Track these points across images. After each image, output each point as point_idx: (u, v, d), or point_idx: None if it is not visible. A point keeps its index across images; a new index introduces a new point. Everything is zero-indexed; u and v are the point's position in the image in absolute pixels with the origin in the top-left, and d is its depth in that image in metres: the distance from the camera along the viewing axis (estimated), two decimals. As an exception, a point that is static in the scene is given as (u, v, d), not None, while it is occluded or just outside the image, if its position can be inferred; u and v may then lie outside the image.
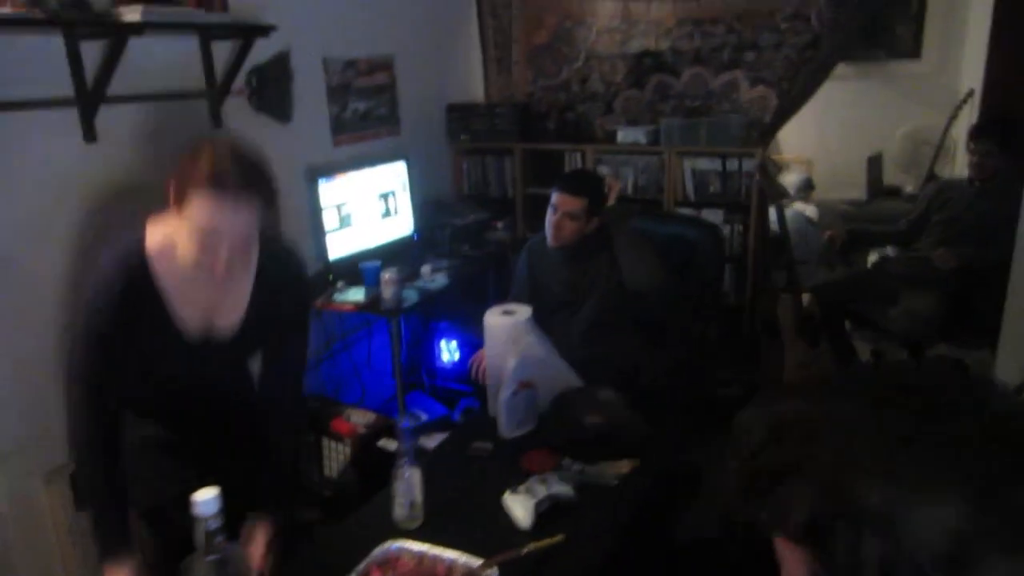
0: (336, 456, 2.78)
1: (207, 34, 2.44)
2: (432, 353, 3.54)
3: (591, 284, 2.49)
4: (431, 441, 2.45)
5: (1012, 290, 2.52)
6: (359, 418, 2.82)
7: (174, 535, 1.33)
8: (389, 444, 2.70)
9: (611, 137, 3.78)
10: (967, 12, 4.62)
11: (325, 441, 2.80)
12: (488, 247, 3.56)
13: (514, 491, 1.63)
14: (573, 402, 1.92)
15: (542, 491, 1.62)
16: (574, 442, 1.80)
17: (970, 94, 4.22)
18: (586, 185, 2.51)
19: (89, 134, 2.12)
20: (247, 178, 1.36)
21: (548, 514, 1.58)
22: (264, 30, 2.53)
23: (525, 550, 1.46)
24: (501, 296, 2.67)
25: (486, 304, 2.11)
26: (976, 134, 3.22)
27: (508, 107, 3.91)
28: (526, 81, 4.11)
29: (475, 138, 3.94)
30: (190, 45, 2.45)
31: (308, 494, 2.73)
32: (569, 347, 2.20)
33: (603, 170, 3.72)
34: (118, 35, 2.04)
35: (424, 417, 3.14)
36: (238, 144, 1.42)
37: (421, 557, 1.43)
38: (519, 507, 1.58)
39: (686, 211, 3.56)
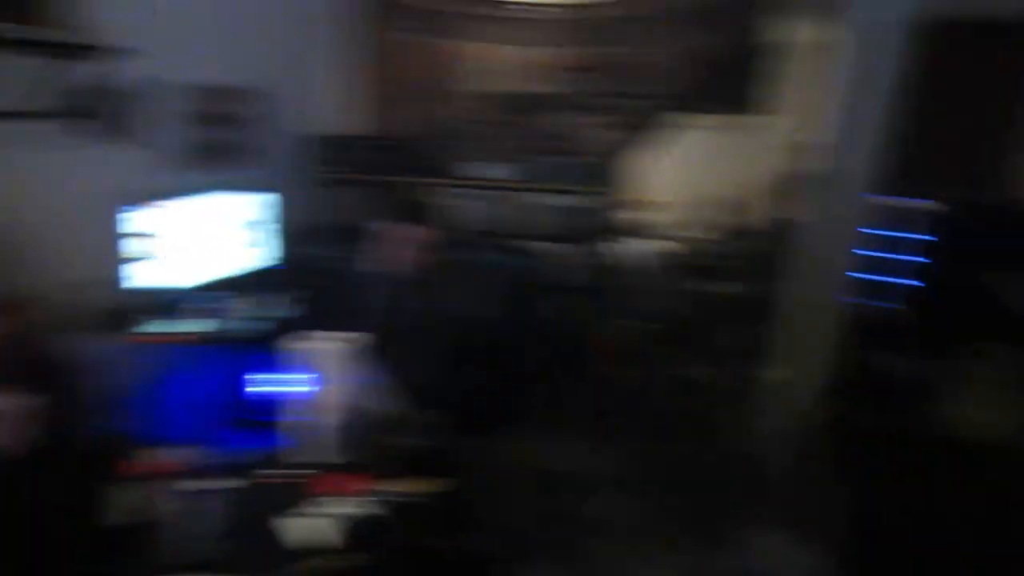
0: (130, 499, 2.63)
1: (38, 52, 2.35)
2: (242, 388, 3.43)
3: (428, 312, 2.53)
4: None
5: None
6: (163, 456, 2.65)
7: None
8: (199, 483, 2.56)
9: (472, 172, 3.93)
10: (817, 74, 5.04)
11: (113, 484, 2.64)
12: (336, 278, 3.52)
13: (304, 513, 1.63)
14: (378, 425, 1.95)
15: (336, 512, 1.64)
16: (375, 465, 1.82)
17: (807, 147, 4.57)
18: (423, 216, 2.58)
19: None
20: None
21: (350, 535, 1.60)
22: (89, 49, 2.45)
23: (301, 569, 1.47)
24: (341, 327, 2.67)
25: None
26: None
27: (377, 140, 4.00)
28: (395, 115, 4.22)
29: (340, 170, 3.98)
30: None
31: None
32: (406, 374, 2.23)
33: (459, 203, 3.81)
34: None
35: (250, 452, 3.07)
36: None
37: None
38: (306, 529, 1.60)
39: (536, 244, 3.73)
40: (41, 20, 2.20)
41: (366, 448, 1.93)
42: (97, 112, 2.70)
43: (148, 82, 2.87)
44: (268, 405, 3.31)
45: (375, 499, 1.73)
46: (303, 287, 3.29)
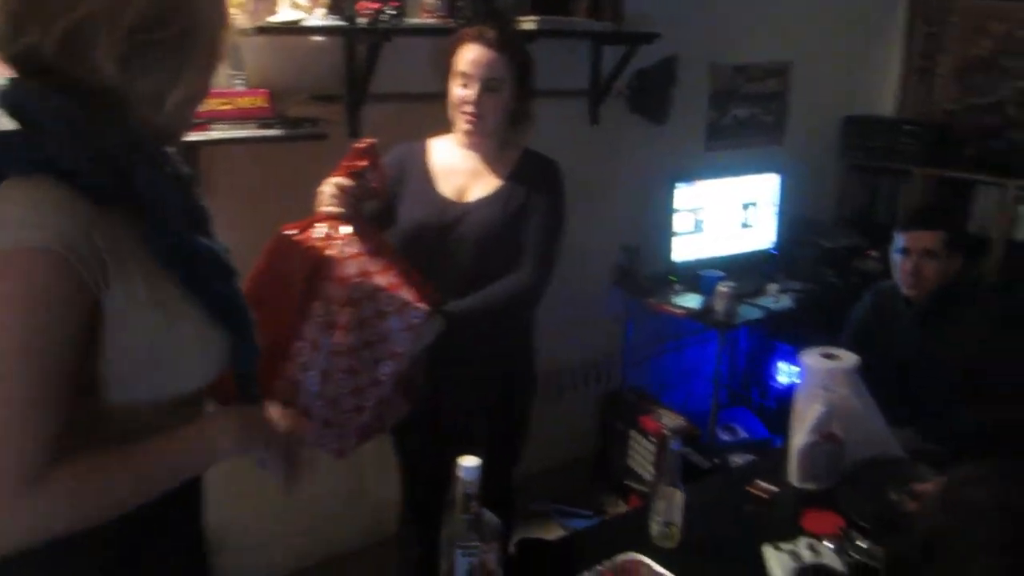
0: (640, 450, 2.96)
1: (598, 40, 2.75)
2: (767, 372, 3.49)
3: (946, 355, 2.22)
4: (740, 459, 2.53)
5: None
6: (668, 420, 2.93)
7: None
8: (690, 454, 2.81)
9: None
10: None
11: (633, 433, 3.00)
12: (854, 277, 3.32)
13: (778, 547, 1.50)
14: (881, 475, 1.73)
15: (808, 557, 1.48)
16: (873, 520, 1.61)
17: None
18: (941, 216, 2.33)
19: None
20: None
21: None
22: (649, 37, 2.72)
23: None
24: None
25: (836, 337, 2.07)
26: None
27: (920, 125, 3.62)
28: (949, 98, 3.74)
29: (870, 156, 3.70)
30: (581, 48, 2.77)
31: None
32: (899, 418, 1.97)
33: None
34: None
35: (742, 435, 3.16)
36: None
37: None
38: (777, 565, 1.47)
39: None
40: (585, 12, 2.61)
41: (849, 491, 1.70)
42: (638, 93, 2.96)
43: (675, 62, 3.01)
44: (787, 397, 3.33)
45: (843, 550, 1.54)
46: (796, 279, 3.22)
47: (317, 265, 1.50)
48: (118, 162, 0.88)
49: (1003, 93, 3.59)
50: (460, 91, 1.81)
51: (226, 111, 1.99)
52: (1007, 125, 3.58)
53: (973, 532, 0.70)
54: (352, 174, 1.61)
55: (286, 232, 1.53)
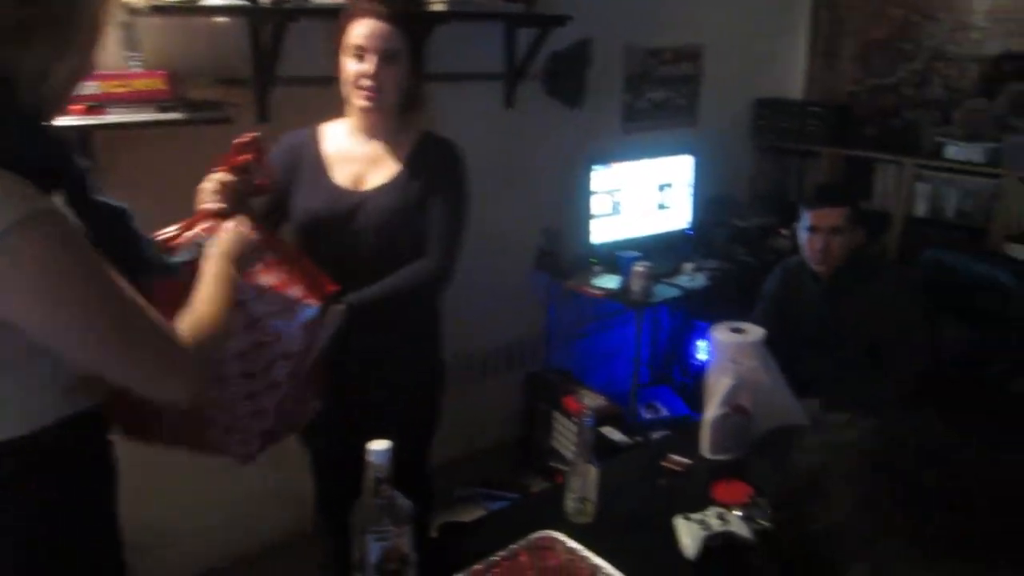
0: (563, 431, 3.01)
1: (511, 22, 2.72)
2: (688, 351, 3.57)
3: (851, 328, 2.32)
4: (661, 436, 2.60)
5: None
6: (591, 400, 2.98)
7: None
8: (612, 432, 2.85)
9: (939, 151, 3.47)
10: None
11: (556, 415, 3.05)
12: (767, 255, 3.42)
13: (687, 517, 1.54)
14: (787, 444, 1.80)
15: (717, 525, 1.53)
16: (777, 485, 1.67)
17: None
18: (844, 193, 2.42)
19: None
20: None
21: (721, 552, 1.48)
22: (561, 20, 2.73)
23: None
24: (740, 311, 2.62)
25: (750, 314, 2.16)
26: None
27: (825, 107, 3.76)
28: (852, 80, 3.91)
29: (780, 137, 3.83)
30: (494, 31, 2.74)
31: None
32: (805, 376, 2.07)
33: (922, 187, 3.51)
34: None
35: (664, 412, 3.25)
36: None
37: (572, 554, 1.40)
38: (687, 535, 1.50)
39: (1019, 249, 3.14)
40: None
41: (758, 460, 1.76)
42: (553, 76, 2.98)
43: (589, 45, 3.03)
44: (690, 372, 3.40)
45: (752, 517, 1.59)
46: (711, 258, 3.31)
47: (197, 267, 1.39)
48: (38, 141, 0.91)
49: (899, 75, 3.77)
50: (355, 65, 1.72)
51: (121, 94, 1.89)
52: (903, 105, 3.77)
53: (843, 464, 0.85)
54: (235, 169, 1.52)
55: (160, 237, 1.41)
